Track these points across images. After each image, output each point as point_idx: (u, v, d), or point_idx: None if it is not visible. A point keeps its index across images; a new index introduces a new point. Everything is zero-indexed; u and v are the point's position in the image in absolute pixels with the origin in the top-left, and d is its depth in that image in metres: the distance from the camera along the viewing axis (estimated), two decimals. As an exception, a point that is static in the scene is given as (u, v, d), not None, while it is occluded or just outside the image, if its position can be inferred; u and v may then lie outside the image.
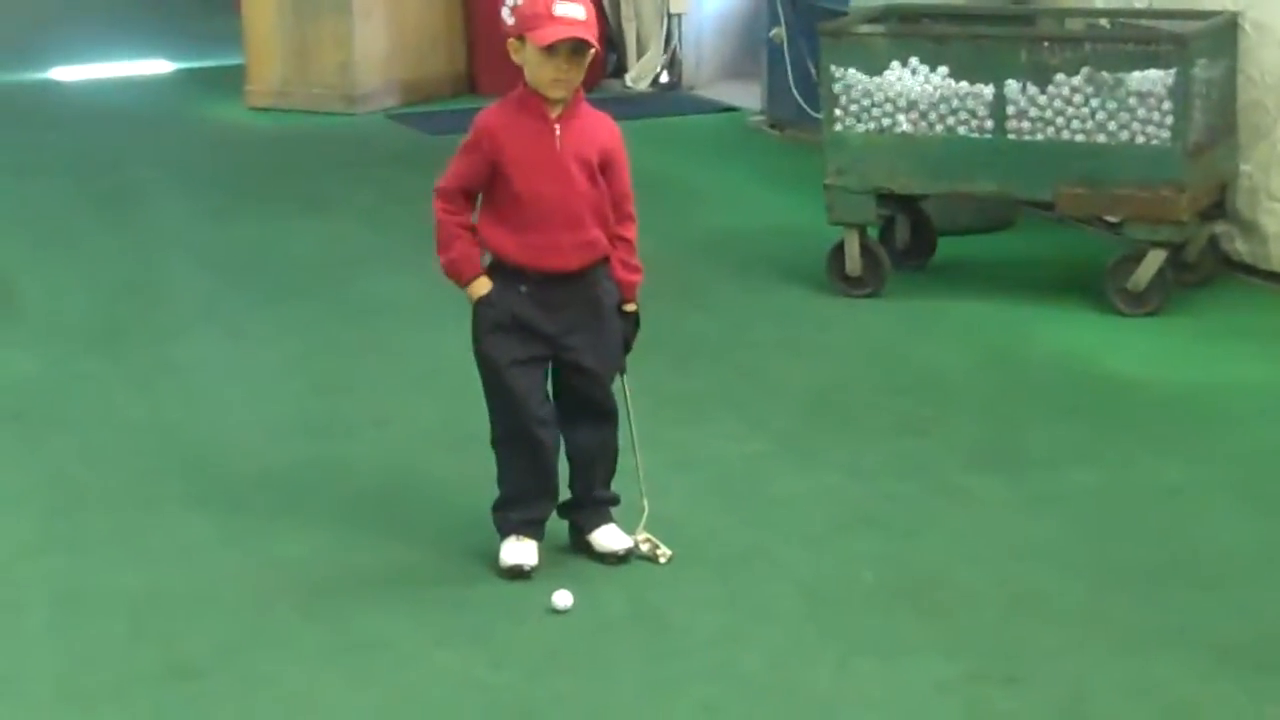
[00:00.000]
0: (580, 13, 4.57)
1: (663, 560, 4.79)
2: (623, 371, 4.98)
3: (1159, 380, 6.32)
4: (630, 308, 4.92)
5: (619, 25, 12.73)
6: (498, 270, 4.80)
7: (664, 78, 12.75)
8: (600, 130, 4.80)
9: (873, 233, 7.60)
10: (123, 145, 11.43)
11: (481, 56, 12.29)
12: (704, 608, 4.49)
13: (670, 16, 12.58)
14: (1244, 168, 7.44)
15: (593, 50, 4.56)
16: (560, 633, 4.41)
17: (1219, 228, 7.50)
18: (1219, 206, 7.40)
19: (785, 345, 6.86)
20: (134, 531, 5.18)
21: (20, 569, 4.90)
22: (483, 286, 4.78)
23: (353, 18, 11.78)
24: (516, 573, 4.73)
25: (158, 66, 14.32)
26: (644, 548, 4.83)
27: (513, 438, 4.88)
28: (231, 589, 4.70)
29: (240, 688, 4.11)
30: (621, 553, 4.81)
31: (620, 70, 12.69)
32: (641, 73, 12.73)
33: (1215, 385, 6.26)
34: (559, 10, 4.52)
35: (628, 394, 4.96)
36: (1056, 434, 5.80)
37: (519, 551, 4.79)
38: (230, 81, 12.71)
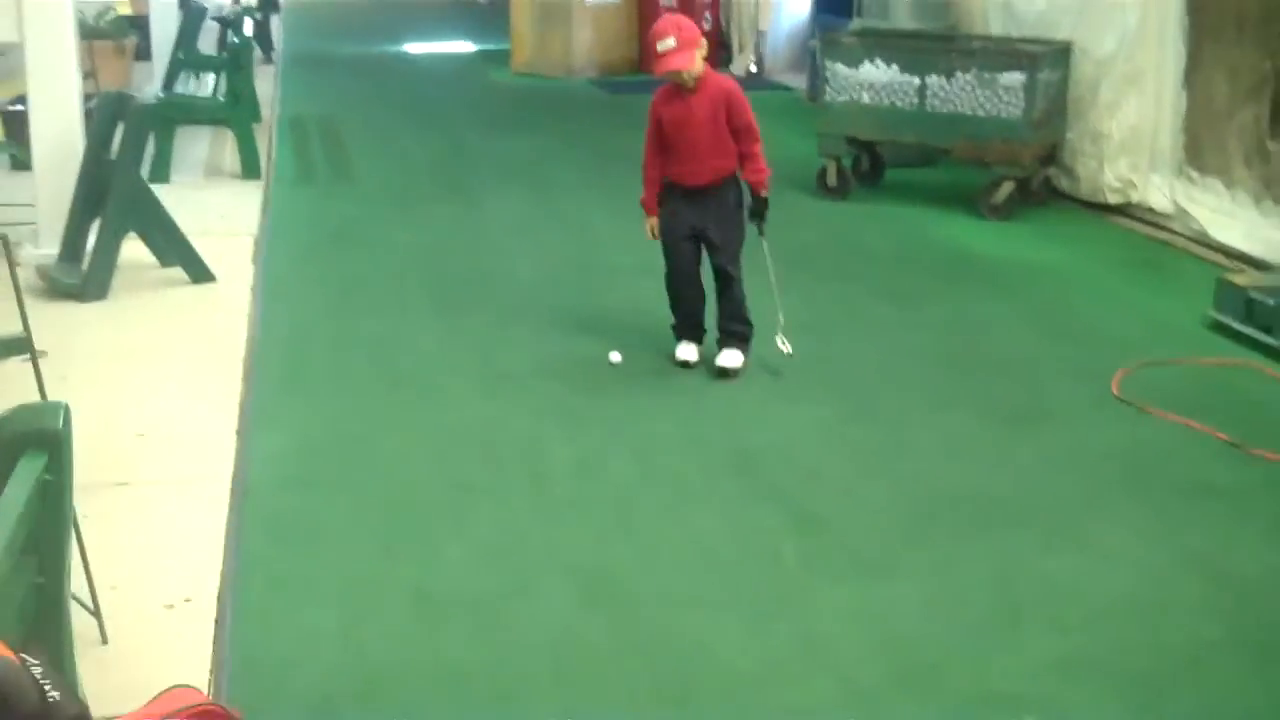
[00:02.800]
0: (669, 44, 5.28)
1: (786, 351, 5.58)
2: (761, 234, 5.57)
3: (998, 256, 7.60)
4: (763, 193, 5.47)
5: (730, 35, 15.07)
6: (668, 185, 5.52)
7: (753, 68, 14.64)
8: (720, 90, 5.40)
9: (846, 162, 9.09)
10: (438, 91, 13.95)
11: (645, 48, 14.33)
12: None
13: (760, 31, 14.62)
14: (1069, 135, 8.74)
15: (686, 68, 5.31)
16: (715, 392, 5.44)
17: (1051, 170, 8.85)
18: (1051, 157, 8.75)
19: (787, 223, 7.38)
20: (385, 307, 6.56)
21: (323, 326, 6.30)
22: (652, 221, 5.60)
23: (572, 26, 14.61)
24: (684, 364, 5.63)
25: (465, 47, 17.52)
26: (781, 345, 5.57)
27: (673, 283, 5.64)
28: (515, 368, 5.71)
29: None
30: (730, 370, 5.53)
31: (728, 62, 14.70)
32: (740, 64, 14.78)
33: (1029, 260, 7.53)
34: (659, 48, 5.34)
35: (766, 250, 5.58)
36: (931, 284, 7.07)
37: (685, 351, 5.65)
38: (502, 58, 15.47)
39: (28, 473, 2.55)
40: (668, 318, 5.84)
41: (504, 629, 3.73)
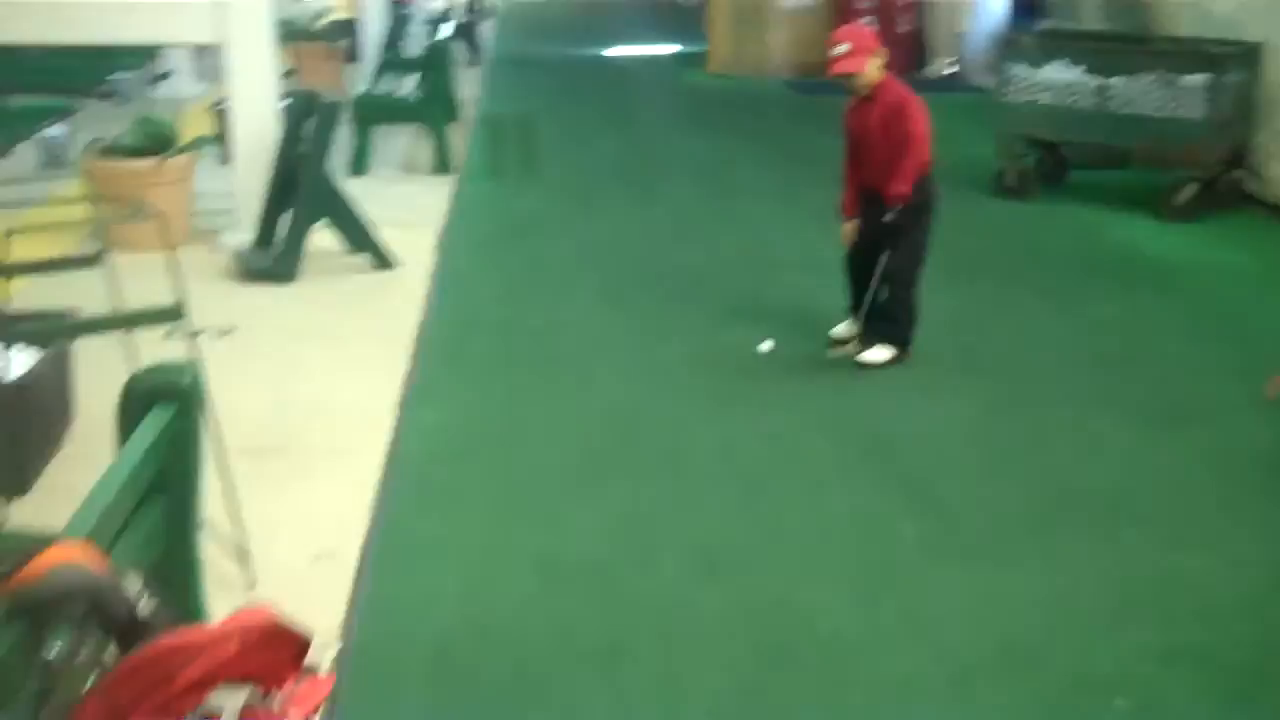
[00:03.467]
0: (841, 49, 5.43)
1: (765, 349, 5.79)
2: (888, 247, 5.62)
3: (1173, 259, 7.48)
4: (893, 209, 5.48)
5: (928, 37, 15.06)
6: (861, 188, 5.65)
7: (950, 70, 14.60)
8: (894, 101, 5.46)
9: (1029, 163, 9.02)
10: (633, 91, 14.37)
11: None
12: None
13: (958, 33, 14.48)
14: (1258, 137, 8.53)
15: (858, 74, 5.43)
16: (860, 383, 5.53)
17: (1239, 173, 8.61)
18: (1239, 159, 8.53)
19: (961, 223, 7.45)
20: (552, 294, 6.80)
21: (491, 311, 6.60)
22: (845, 227, 5.74)
23: (768, 28, 15.02)
24: (836, 341, 5.85)
25: (664, 49, 18.00)
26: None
27: (845, 268, 5.88)
28: (669, 356, 5.86)
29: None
30: (866, 363, 5.65)
31: (925, 65, 14.74)
32: (936, 66, 14.81)
33: (1205, 263, 7.41)
34: (833, 52, 5.47)
35: (883, 260, 5.64)
36: (1098, 285, 7.00)
37: (840, 328, 5.90)
38: (699, 59, 15.90)
39: (156, 421, 2.81)
40: (825, 311, 6.03)
41: (620, 595, 3.89)
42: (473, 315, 6.53)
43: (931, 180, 5.61)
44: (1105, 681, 3.48)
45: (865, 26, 5.98)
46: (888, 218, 5.52)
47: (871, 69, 5.51)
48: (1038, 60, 8.85)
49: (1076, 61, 8.67)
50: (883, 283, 5.69)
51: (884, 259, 5.65)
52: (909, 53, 14.69)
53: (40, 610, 2.09)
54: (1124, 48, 8.82)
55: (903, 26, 15.16)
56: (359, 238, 7.21)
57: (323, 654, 2.58)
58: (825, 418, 5.24)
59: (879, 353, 5.77)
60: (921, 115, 5.51)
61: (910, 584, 3.96)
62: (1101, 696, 3.42)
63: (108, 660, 2.20)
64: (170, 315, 3.56)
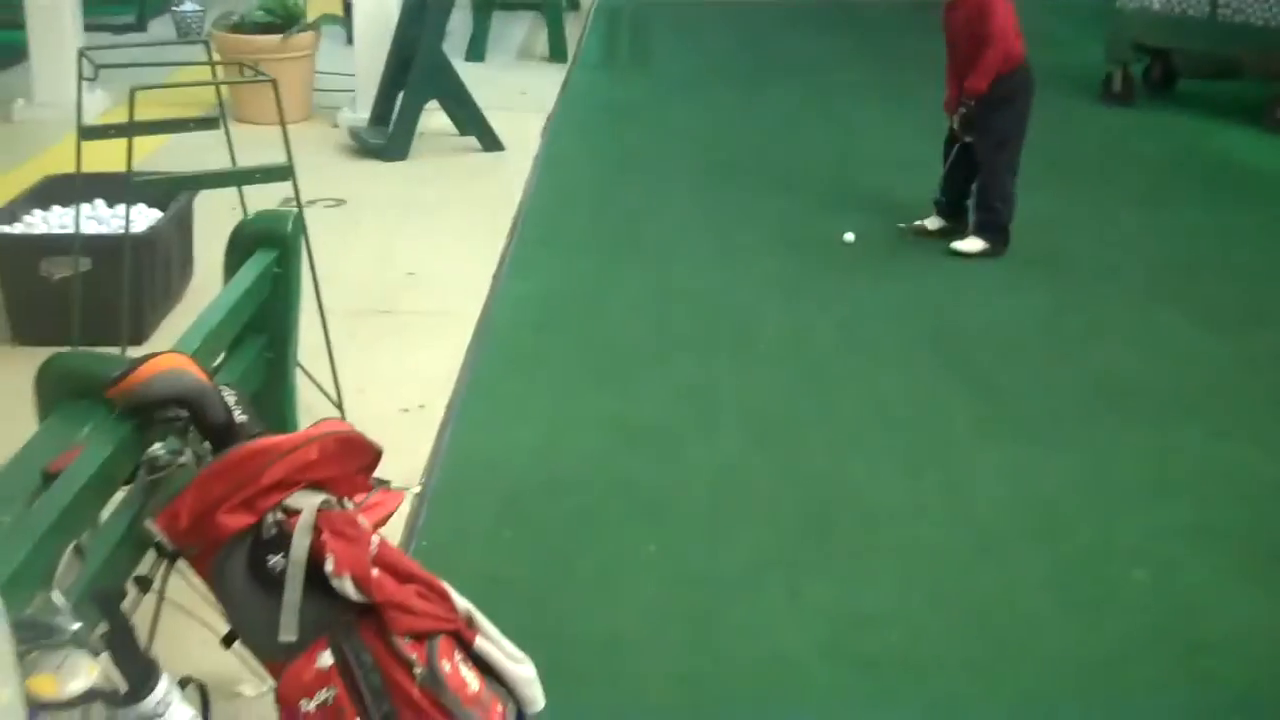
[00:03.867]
0: None
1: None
2: (963, 139, 5.91)
3: (1269, 169, 7.50)
4: (970, 102, 5.78)
5: None
6: None
7: None
8: (974, 3, 5.72)
9: (1136, 70, 9.11)
10: None
11: None
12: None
13: None
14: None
15: None
16: (936, 276, 5.74)
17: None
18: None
19: (1062, 126, 8.00)
20: (649, 179, 7.06)
21: (590, 193, 6.85)
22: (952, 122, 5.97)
23: None
24: (918, 230, 6.11)
25: None
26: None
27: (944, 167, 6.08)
28: (753, 242, 6.12)
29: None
30: (959, 251, 5.91)
31: None
32: None
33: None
34: None
35: (954, 151, 5.95)
36: (1189, 192, 7.13)
37: (927, 219, 6.17)
38: None
39: (258, 263, 3.15)
40: (913, 206, 6.25)
41: (678, 458, 4.18)
42: (571, 196, 6.81)
43: (1019, 75, 5.81)
44: (1128, 554, 3.70)
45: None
46: (962, 110, 5.81)
47: None
48: (1151, -34, 8.75)
49: (1190, -31, 8.57)
50: (976, 171, 5.94)
51: (976, 150, 5.90)
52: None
53: (147, 409, 2.43)
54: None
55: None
56: (469, 119, 7.50)
57: (404, 491, 2.93)
58: (896, 305, 5.45)
59: (972, 243, 5.99)
60: (1001, 14, 5.70)
61: (954, 461, 4.20)
62: (1121, 567, 3.64)
63: (204, 461, 2.53)
64: (280, 174, 3.88)
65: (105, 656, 2.03)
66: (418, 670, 2.48)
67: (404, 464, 3.83)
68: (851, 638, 3.32)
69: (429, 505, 3.80)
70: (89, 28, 8.17)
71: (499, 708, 2.59)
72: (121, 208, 5.01)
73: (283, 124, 3.87)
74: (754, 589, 3.51)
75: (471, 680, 2.57)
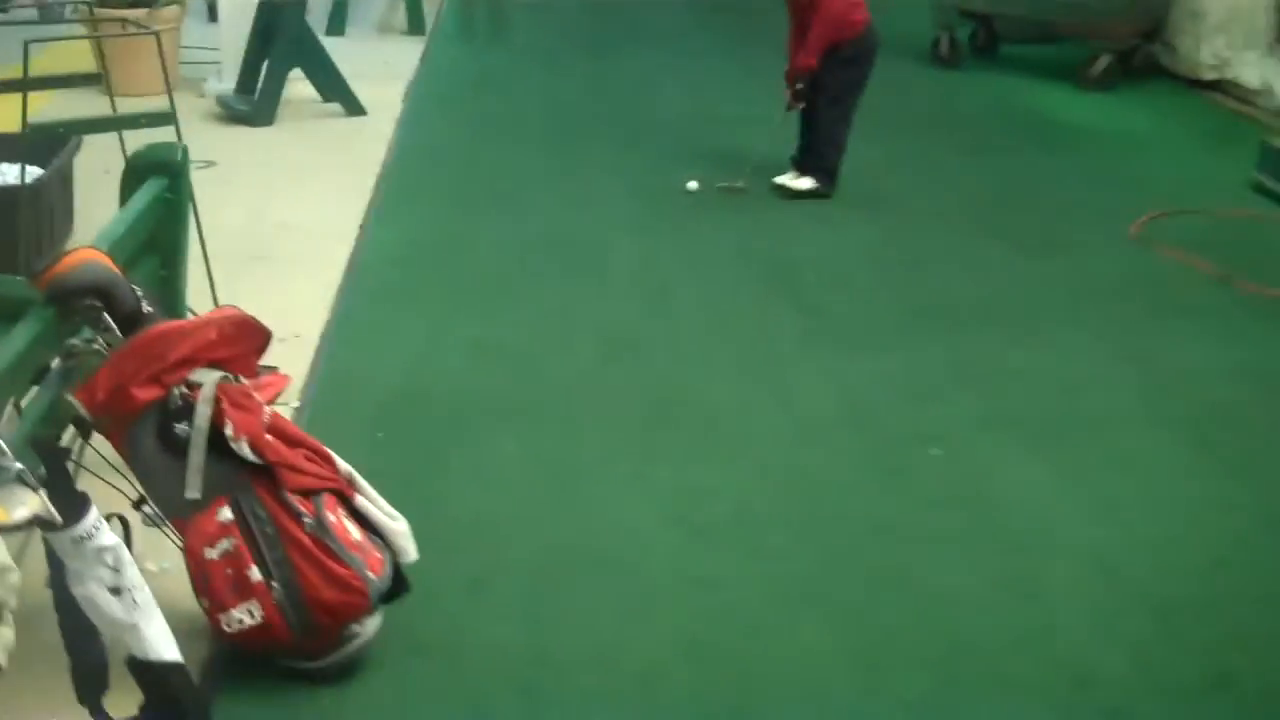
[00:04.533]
0: None
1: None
2: (788, 108, 6.41)
3: (1081, 122, 8.08)
4: (793, 80, 6.31)
5: None
6: None
7: None
8: None
9: (962, 35, 9.73)
10: None
11: None
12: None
13: None
14: (1172, 14, 9.05)
15: None
16: (772, 217, 6.37)
17: (1155, 47, 9.19)
18: (1153, 34, 9.10)
19: (893, 87, 7.93)
20: (507, 140, 7.47)
21: (450, 153, 7.29)
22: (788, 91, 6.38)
23: None
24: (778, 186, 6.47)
25: None
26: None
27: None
28: (605, 192, 6.76)
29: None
30: (782, 185, 6.44)
31: None
32: None
33: (1110, 127, 8.01)
34: None
35: (778, 119, 6.41)
36: (1006, 142, 7.69)
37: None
38: None
39: (150, 190, 3.54)
40: (755, 159, 6.65)
41: (537, 372, 4.64)
42: (432, 155, 7.20)
43: (862, 41, 6.29)
44: (927, 437, 4.24)
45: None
46: (797, 85, 6.31)
47: None
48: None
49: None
50: (813, 118, 6.43)
51: (816, 101, 6.39)
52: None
53: (68, 296, 2.82)
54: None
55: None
56: (331, 86, 7.86)
57: (288, 376, 3.34)
58: (735, 243, 5.95)
59: (802, 181, 6.50)
60: None
61: (782, 367, 4.72)
62: (921, 447, 4.18)
63: (115, 345, 2.93)
64: (163, 119, 4.25)
65: (43, 492, 2.42)
66: (306, 520, 2.91)
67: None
68: (688, 509, 3.81)
69: (307, 418, 4.18)
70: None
71: (378, 555, 3.03)
72: (4, 165, 5.33)
73: (165, 75, 4.24)
74: (604, 473, 3.98)
75: (354, 531, 3.01)
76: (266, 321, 4.45)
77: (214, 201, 5.40)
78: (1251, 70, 8.69)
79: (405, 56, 9.52)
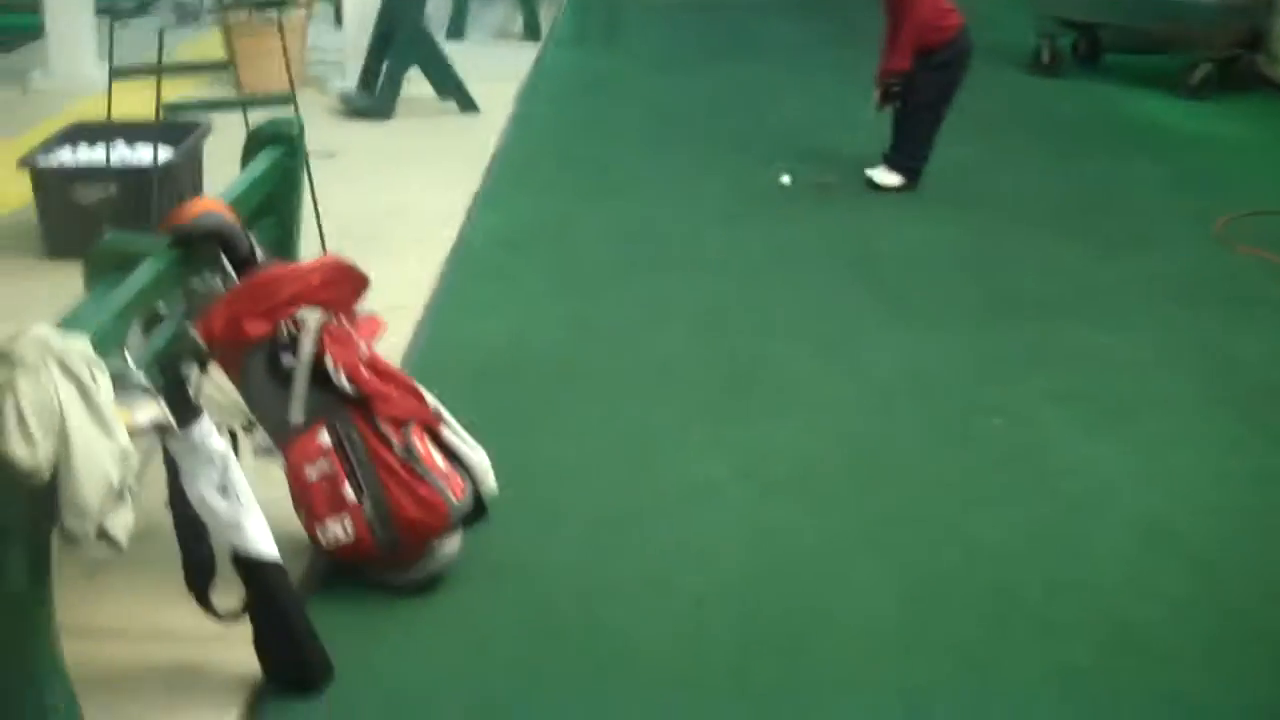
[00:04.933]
0: None
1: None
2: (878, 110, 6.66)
3: (1175, 128, 8.19)
4: (881, 83, 6.52)
5: None
6: None
7: None
8: None
9: (1065, 43, 9.82)
10: None
11: None
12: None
13: None
14: (1277, 24, 9.06)
15: None
16: (861, 212, 6.62)
17: (1259, 57, 9.18)
18: (1256, 44, 9.09)
19: (993, 91, 8.75)
20: (612, 138, 7.84)
21: (556, 147, 7.75)
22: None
23: None
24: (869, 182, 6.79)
25: None
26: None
27: None
28: (703, 188, 7.09)
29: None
30: (874, 182, 6.64)
31: None
32: None
33: (1204, 133, 8.08)
34: None
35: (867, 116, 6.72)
36: (1100, 145, 7.78)
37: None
38: None
39: (268, 156, 3.85)
40: (847, 157, 6.99)
41: (626, 345, 4.89)
42: (541, 149, 7.52)
43: (954, 45, 6.47)
44: (991, 409, 4.42)
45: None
46: (892, 87, 6.50)
47: None
48: (1075, -53, 9.47)
49: (1109, -51, 9.27)
50: (903, 116, 6.63)
51: (908, 101, 6.59)
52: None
53: (190, 241, 3.15)
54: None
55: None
56: (447, 84, 8.21)
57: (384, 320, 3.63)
58: (823, 234, 6.17)
59: (887, 176, 6.69)
60: None
61: (858, 344, 4.93)
62: (984, 418, 4.36)
63: (231, 286, 3.24)
64: (284, 99, 4.59)
65: (162, 401, 2.73)
66: (395, 445, 3.20)
67: (385, 351, 4.48)
68: (757, 465, 4.04)
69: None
70: (98, 11, 8.82)
71: (460, 481, 3.31)
72: (139, 147, 5.73)
73: (288, 64, 4.57)
74: (681, 434, 4.22)
75: (438, 458, 3.29)
76: (375, 294, 4.79)
77: (332, 186, 5.78)
78: (1350, 80, 8.64)
79: (520, 59, 9.86)
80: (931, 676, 3.08)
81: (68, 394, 2.32)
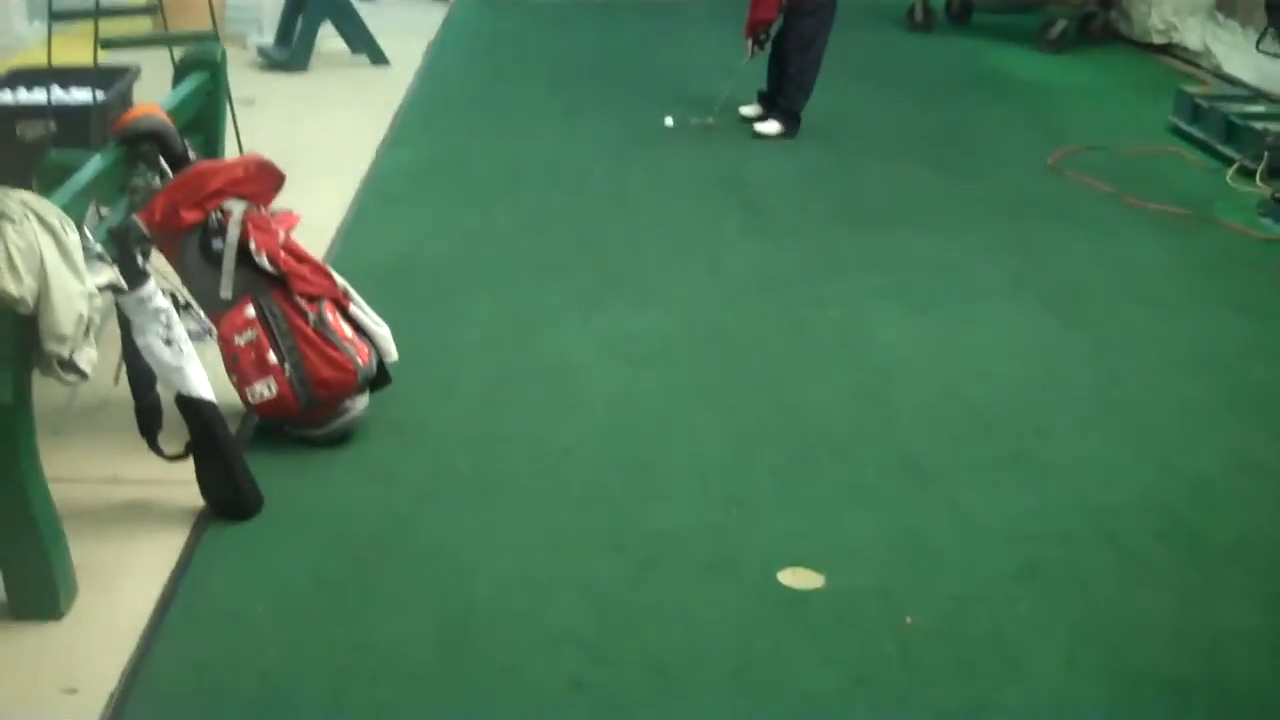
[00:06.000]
0: None
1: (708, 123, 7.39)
2: (750, 54, 7.28)
3: (1030, 77, 8.94)
4: (752, 29, 7.17)
5: None
6: None
7: None
8: None
9: (936, 2, 10.74)
10: None
11: None
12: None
13: None
14: (1127, -20, 9.90)
15: None
16: (733, 146, 7.39)
17: (1112, 14, 10.05)
18: (1110, 2, 9.96)
19: (869, 47, 9.60)
20: (512, 84, 8.52)
21: (461, 93, 8.44)
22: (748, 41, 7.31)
23: None
24: (742, 118, 7.48)
25: None
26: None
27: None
28: (592, 127, 7.88)
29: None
30: (760, 133, 7.26)
31: None
32: None
33: (1056, 82, 8.83)
34: None
35: (744, 64, 7.36)
36: (957, 92, 8.54)
37: (747, 108, 7.56)
38: None
39: (194, 79, 4.49)
40: (723, 100, 7.57)
41: (514, 252, 5.57)
42: (446, 95, 8.17)
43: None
44: (830, 301, 5.16)
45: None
46: (759, 37, 7.16)
47: None
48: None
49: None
50: (782, 69, 7.27)
51: (782, 50, 7.26)
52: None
53: (133, 139, 3.79)
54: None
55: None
56: (359, 38, 8.83)
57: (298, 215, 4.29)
58: (696, 163, 6.88)
59: (770, 125, 7.36)
60: None
61: (718, 250, 5.64)
62: (822, 308, 5.10)
63: (167, 180, 3.89)
64: (207, 37, 5.22)
65: (115, 267, 3.38)
66: (310, 317, 3.86)
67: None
68: (621, 344, 4.74)
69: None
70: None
71: (365, 350, 3.99)
72: (75, 89, 6.32)
73: (211, 7, 5.19)
74: (557, 321, 4.92)
75: (347, 329, 3.97)
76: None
77: (252, 128, 6.40)
78: (1194, 35, 9.50)
79: (429, 19, 10.49)
80: (749, 492, 3.80)
81: (46, 242, 2.97)
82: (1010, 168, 6.97)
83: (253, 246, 3.85)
